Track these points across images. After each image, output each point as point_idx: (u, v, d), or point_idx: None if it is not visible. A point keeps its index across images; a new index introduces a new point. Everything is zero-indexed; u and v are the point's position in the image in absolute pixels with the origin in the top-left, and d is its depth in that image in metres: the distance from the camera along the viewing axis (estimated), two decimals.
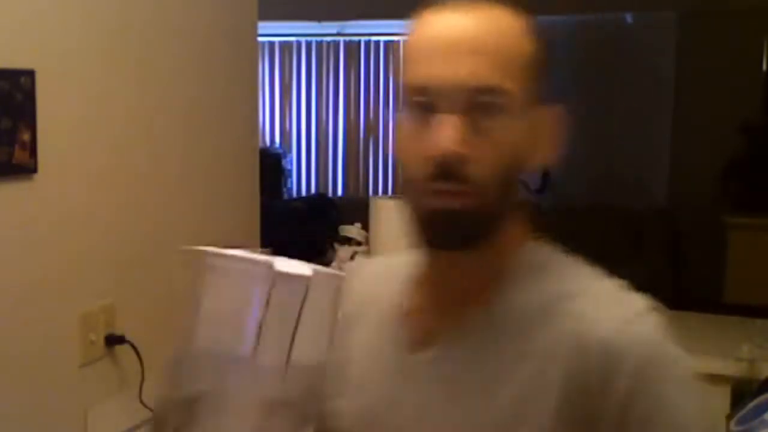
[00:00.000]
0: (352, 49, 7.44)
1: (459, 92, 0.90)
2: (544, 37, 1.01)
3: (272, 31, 7.15)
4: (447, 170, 0.89)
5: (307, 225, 5.96)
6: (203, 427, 0.88)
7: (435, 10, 0.97)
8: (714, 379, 1.92)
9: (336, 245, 2.60)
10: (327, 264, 2.27)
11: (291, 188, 7.64)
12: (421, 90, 0.92)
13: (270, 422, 0.87)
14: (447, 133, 0.89)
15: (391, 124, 1.03)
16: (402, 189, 0.97)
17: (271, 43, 7.63)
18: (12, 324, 1.66)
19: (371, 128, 7.46)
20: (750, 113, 5.79)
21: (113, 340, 1.90)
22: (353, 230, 2.60)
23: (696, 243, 5.90)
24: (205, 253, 0.91)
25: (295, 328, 0.86)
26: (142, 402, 1.96)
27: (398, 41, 7.20)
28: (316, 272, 0.88)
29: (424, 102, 0.92)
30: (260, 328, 0.86)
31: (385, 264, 1.14)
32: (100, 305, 1.88)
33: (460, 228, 0.91)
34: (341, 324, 0.91)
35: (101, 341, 1.87)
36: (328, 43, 7.52)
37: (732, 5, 5.66)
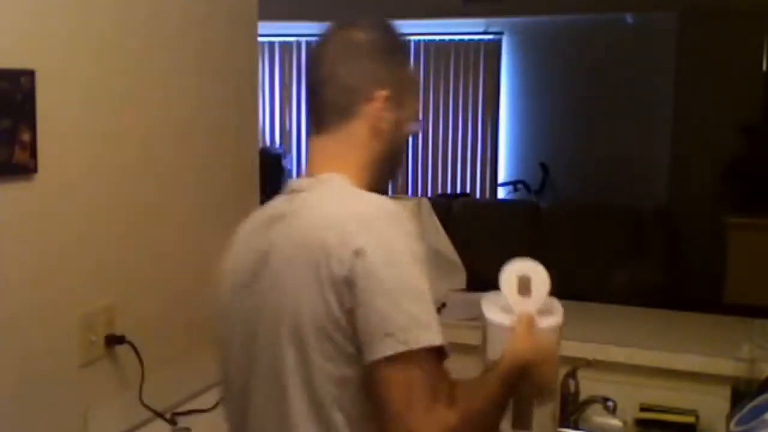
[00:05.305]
0: None
1: None
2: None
3: (272, 31, 7.15)
4: None
5: None
6: None
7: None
8: (714, 379, 1.92)
9: None
10: None
11: None
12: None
13: None
14: None
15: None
16: (397, 162, 1.46)
17: (271, 43, 7.62)
18: (12, 324, 1.66)
19: None
20: (750, 113, 5.79)
21: (113, 340, 1.90)
22: None
23: (696, 243, 5.91)
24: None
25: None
26: (142, 402, 1.96)
27: None
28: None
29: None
30: None
31: None
32: (100, 305, 1.88)
33: None
34: None
35: (101, 341, 1.87)
36: None
37: (732, 5, 5.66)
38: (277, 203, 1.40)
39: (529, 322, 1.27)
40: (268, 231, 1.35)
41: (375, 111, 1.37)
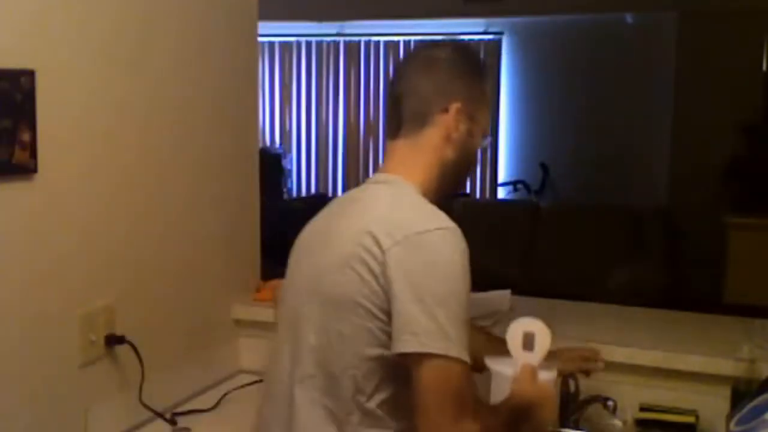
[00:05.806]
0: (352, 49, 7.44)
1: None
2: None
3: (272, 31, 7.15)
4: None
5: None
6: None
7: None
8: (714, 379, 1.92)
9: None
10: None
11: (291, 188, 7.64)
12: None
13: None
14: None
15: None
16: (465, 171, 1.60)
17: (271, 43, 7.63)
18: (12, 324, 1.66)
19: (371, 128, 7.47)
20: (750, 113, 5.78)
21: (113, 340, 1.90)
22: None
23: (696, 243, 5.90)
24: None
25: None
26: (142, 402, 1.96)
27: (398, 41, 7.19)
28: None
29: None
30: None
31: None
32: (100, 305, 1.88)
33: None
34: None
35: (101, 341, 1.87)
36: (328, 43, 7.51)
37: (732, 5, 5.66)
38: (357, 189, 1.59)
39: (532, 372, 1.41)
40: (342, 209, 1.53)
41: (448, 121, 1.52)
